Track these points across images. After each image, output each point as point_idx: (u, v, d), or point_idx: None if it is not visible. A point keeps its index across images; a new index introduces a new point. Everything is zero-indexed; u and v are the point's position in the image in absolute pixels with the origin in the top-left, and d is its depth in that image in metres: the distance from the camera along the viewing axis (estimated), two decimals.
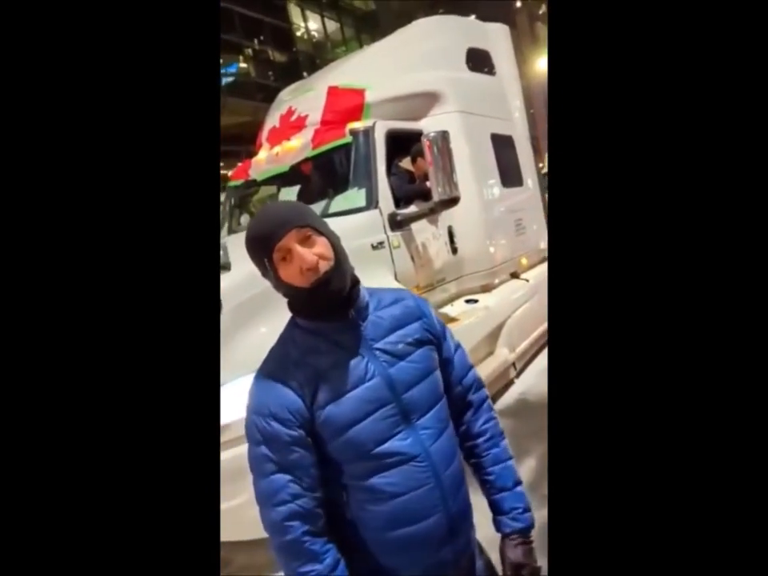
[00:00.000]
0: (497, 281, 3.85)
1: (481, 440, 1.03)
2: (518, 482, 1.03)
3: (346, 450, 0.87)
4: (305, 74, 9.48)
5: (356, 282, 0.94)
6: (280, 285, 0.91)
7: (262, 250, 0.88)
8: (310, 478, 0.87)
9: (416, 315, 0.98)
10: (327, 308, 0.91)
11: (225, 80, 12.94)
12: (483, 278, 3.73)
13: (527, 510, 1.01)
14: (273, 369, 0.91)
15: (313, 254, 0.87)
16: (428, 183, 3.03)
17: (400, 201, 3.14)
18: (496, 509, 1.02)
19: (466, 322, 3.24)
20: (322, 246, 0.89)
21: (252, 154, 3.84)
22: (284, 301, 2.41)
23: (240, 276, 2.23)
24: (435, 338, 1.00)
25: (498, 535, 1.02)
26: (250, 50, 14.10)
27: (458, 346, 1.06)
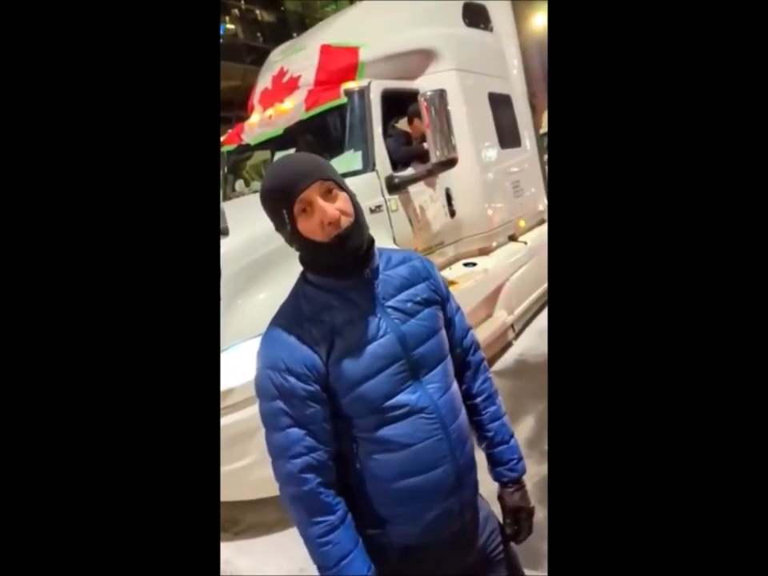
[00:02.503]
0: (495, 243, 3.83)
1: (479, 399, 1.08)
2: (512, 435, 1.10)
3: (357, 405, 0.88)
4: (294, 34, 9.17)
5: (372, 240, 0.94)
6: (296, 238, 0.89)
7: (282, 200, 0.86)
8: (324, 432, 0.88)
9: (423, 276, 0.99)
10: (344, 265, 0.90)
11: None
12: (481, 240, 3.72)
13: (520, 459, 1.09)
14: (286, 324, 0.90)
15: (335, 208, 0.86)
16: (425, 145, 2.99)
17: (397, 163, 3.10)
18: (495, 461, 1.08)
19: (464, 285, 3.25)
20: (343, 200, 0.88)
21: (244, 118, 3.75)
22: (284, 266, 2.39)
23: (239, 241, 2.22)
24: (441, 298, 1.02)
25: (495, 486, 1.09)
26: (236, 11, 13.59)
27: (458, 309, 1.09)
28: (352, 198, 0.91)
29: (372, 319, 0.90)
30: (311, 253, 0.91)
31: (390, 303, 0.92)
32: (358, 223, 0.89)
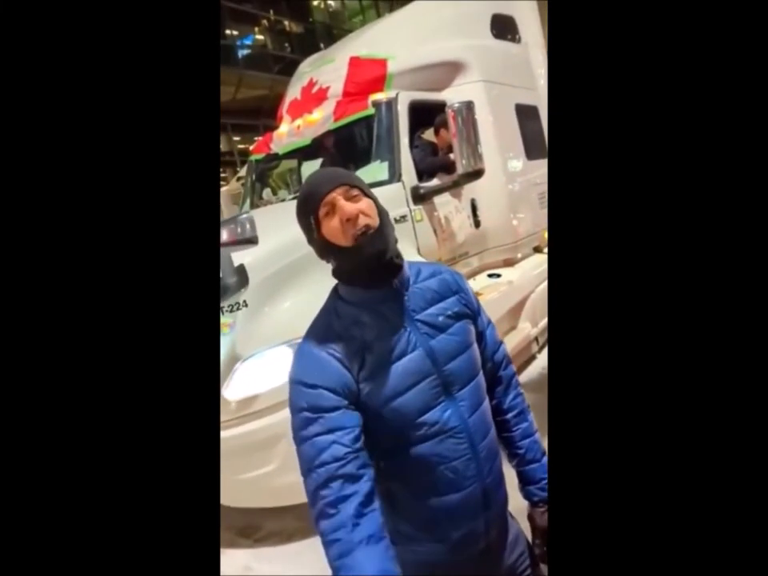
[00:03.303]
0: (520, 255, 3.80)
1: (510, 415, 1.06)
2: (544, 453, 1.06)
3: (388, 421, 0.88)
4: (321, 44, 9.31)
5: (399, 252, 0.94)
6: (322, 244, 0.90)
7: (309, 206, 0.88)
8: (355, 441, 0.84)
9: (453, 289, 0.99)
10: (370, 272, 0.89)
11: (241, 52, 12.76)
12: (506, 251, 3.70)
13: None
14: (317, 341, 0.90)
15: (355, 208, 0.87)
16: (451, 156, 2.99)
17: (423, 173, 3.10)
18: (525, 479, 1.06)
19: (488, 297, 3.22)
20: (366, 204, 0.89)
21: (271, 127, 3.81)
22: (310, 275, 2.41)
23: (267, 249, 2.25)
24: (472, 312, 1.01)
25: (525, 504, 1.06)
26: (265, 22, 13.86)
27: (489, 322, 1.07)
28: (377, 205, 0.92)
29: (402, 333, 0.89)
30: (336, 259, 0.92)
31: (420, 317, 0.92)
32: (382, 230, 0.89)
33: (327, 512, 0.79)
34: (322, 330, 0.91)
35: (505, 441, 1.05)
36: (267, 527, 2.38)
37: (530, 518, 1.06)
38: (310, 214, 0.88)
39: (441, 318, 0.93)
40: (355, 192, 0.88)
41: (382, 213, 0.91)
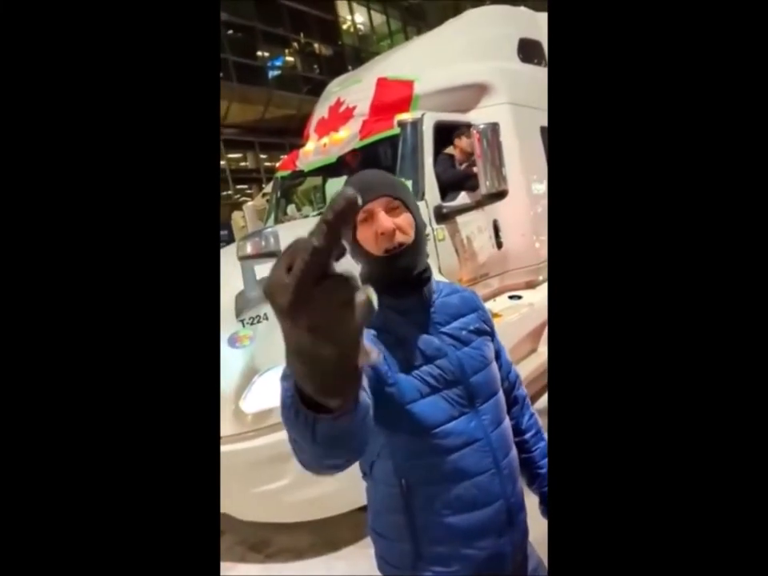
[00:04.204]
0: (541, 277, 3.77)
1: (529, 435, 1.06)
2: None
3: (411, 424, 0.86)
4: (350, 67, 9.50)
5: (428, 267, 0.95)
6: (355, 248, 0.90)
7: None
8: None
9: (472, 307, 1.00)
10: (397, 283, 0.89)
11: (271, 73, 13.12)
12: (528, 273, 3.67)
13: None
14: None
15: (392, 222, 0.86)
16: (474, 169, 3.00)
17: (445, 188, 3.11)
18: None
19: (508, 318, 3.20)
20: (404, 220, 0.89)
21: (297, 145, 3.89)
22: None
23: None
24: (490, 329, 1.01)
25: (544, 534, 1.02)
26: (296, 44, 14.26)
27: (500, 343, 1.08)
28: (417, 218, 0.91)
29: (431, 340, 0.90)
30: (366, 265, 0.91)
31: (445, 329, 0.93)
32: (416, 246, 0.89)
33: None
34: None
35: (525, 462, 1.04)
36: (279, 543, 2.36)
37: None
38: None
39: (464, 332, 0.94)
40: (396, 204, 0.88)
41: (419, 227, 0.91)
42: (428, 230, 2.90)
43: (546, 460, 1.05)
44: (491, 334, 1.01)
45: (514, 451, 0.97)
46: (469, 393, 0.90)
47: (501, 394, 0.97)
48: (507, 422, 0.97)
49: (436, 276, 0.95)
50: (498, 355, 1.04)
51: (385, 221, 0.86)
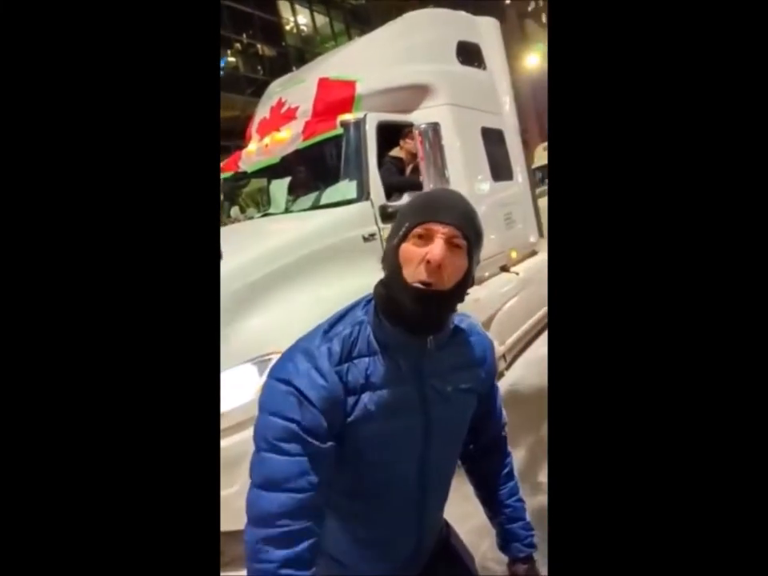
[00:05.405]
0: (487, 274, 3.86)
1: (503, 473, 1.09)
2: (525, 509, 1.09)
3: (353, 464, 0.83)
4: (294, 68, 9.38)
5: (450, 318, 0.88)
6: (392, 256, 0.81)
7: (415, 215, 0.79)
8: (327, 470, 0.79)
9: (481, 359, 0.95)
10: (407, 319, 0.80)
11: None
12: None
13: (534, 533, 1.07)
14: (328, 354, 0.81)
15: (444, 257, 0.76)
16: (420, 178, 3.04)
17: (391, 192, 3.14)
18: (510, 537, 1.07)
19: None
20: (457, 263, 0.79)
21: (243, 147, 3.82)
22: (277, 292, 2.36)
23: (232, 266, 2.22)
24: (484, 389, 0.98)
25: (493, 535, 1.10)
26: (238, 45, 13.98)
27: (496, 387, 1.08)
28: (468, 272, 0.82)
29: (409, 392, 0.84)
30: (388, 279, 0.83)
31: (433, 381, 0.86)
32: (449, 299, 0.80)
33: (283, 542, 0.75)
34: (339, 347, 0.82)
35: (492, 501, 1.08)
36: (231, 552, 2.30)
37: (513, 573, 1.07)
38: (407, 221, 0.80)
39: (450, 389, 0.88)
40: (461, 242, 0.78)
41: (465, 280, 0.82)
42: (374, 229, 2.93)
43: (512, 499, 1.07)
44: (486, 391, 0.99)
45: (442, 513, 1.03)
46: (425, 451, 0.88)
47: (458, 449, 1.00)
48: (450, 482, 0.99)
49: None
50: (493, 405, 1.06)
51: (437, 252, 0.76)
